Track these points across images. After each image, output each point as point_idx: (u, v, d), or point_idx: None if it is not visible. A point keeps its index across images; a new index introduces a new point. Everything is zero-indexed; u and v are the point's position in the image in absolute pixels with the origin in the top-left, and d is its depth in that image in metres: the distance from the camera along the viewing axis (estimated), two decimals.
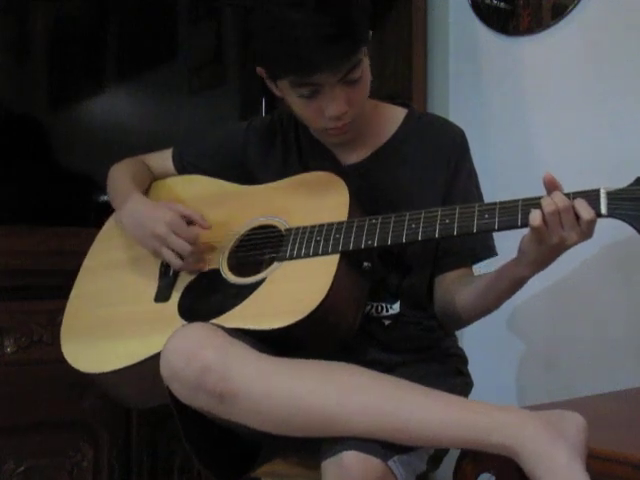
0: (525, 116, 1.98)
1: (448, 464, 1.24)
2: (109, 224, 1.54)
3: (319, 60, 1.22)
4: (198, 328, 1.16)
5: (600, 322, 1.80)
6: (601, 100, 1.81)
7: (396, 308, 1.38)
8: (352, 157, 1.44)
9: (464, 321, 1.41)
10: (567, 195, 1.14)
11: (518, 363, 1.99)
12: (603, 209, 1.12)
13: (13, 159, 1.83)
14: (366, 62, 1.31)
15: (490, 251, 1.42)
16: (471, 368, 1.46)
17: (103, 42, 1.96)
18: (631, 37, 1.77)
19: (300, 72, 1.25)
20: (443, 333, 1.44)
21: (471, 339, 1.89)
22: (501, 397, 1.93)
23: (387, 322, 1.38)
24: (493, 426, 1.05)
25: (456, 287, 1.38)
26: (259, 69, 1.36)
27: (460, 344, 1.50)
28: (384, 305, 1.38)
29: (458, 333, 1.52)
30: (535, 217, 1.13)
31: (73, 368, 1.34)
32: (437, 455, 1.27)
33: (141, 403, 1.42)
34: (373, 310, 1.37)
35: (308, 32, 1.20)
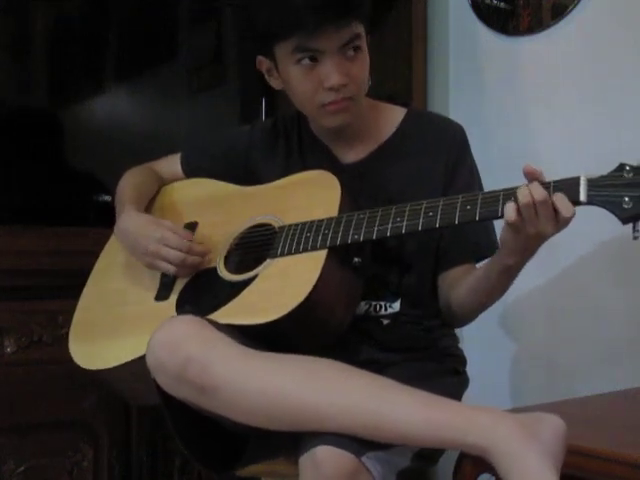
0: (525, 116, 1.97)
1: (448, 464, 1.24)
2: None
3: (317, 19, 1.25)
4: (184, 321, 1.19)
5: (600, 322, 1.79)
6: (601, 100, 1.81)
7: (396, 307, 1.38)
8: (351, 156, 1.45)
9: (460, 317, 1.41)
10: (547, 184, 1.12)
11: (517, 363, 1.99)
12: (582, 196, 1.10)
13: (13, 159, 1.83)
14: (365, 45, 1.33)
15: (494, 250, 1.39)
16: (469, 368, 1.45)
17: (103, 42, 1.96)
18: (631, 37, 1.77)
19: (303, 29, 1.26)
20: (442, 333, 1.44)
21: (469, 339, 1.88)
22: (499, 397, 1.93)
23: (385, 322, 1.38)
24: (469, 427, 1.05)
25: (455, 284, 1.38)
26: (259, 59, 1.38)
27: (460, 344, 1.50)
28: (383, 304, 1.38)
29: (458, 332, 1.52)
30: (509, 211, 1.11)
31: (73, 368, 1.36)
32: (425, 453, 1.26)
33: (151, 399, 1.43)
34: (372, 309, 1.37)
35: None
